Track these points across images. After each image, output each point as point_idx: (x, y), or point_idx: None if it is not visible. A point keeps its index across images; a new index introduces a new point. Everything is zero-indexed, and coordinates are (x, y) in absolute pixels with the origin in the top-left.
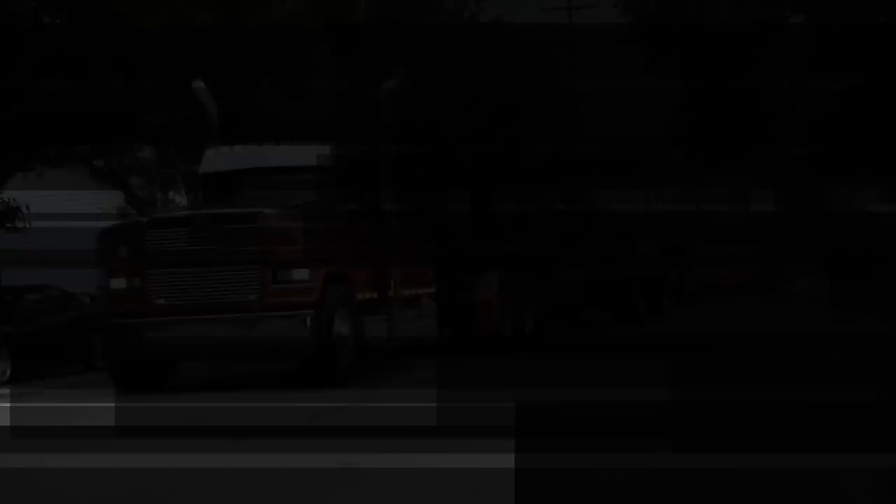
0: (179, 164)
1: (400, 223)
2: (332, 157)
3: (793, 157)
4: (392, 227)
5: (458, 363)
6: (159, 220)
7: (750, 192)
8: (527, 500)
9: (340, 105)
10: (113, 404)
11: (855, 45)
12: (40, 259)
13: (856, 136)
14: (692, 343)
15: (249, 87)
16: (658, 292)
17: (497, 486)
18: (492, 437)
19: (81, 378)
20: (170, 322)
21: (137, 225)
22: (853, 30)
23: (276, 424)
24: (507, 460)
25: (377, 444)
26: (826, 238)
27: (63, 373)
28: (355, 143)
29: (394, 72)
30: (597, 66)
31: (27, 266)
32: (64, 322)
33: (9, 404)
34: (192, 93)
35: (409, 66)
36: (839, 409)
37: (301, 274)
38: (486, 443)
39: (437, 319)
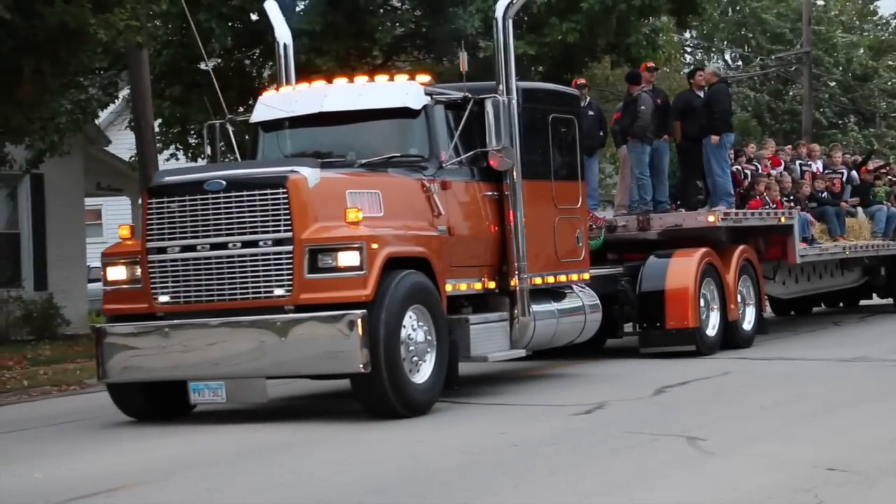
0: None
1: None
2: (424, 96)
3: None
4: (513, 189)
5: None
6: (161, 187)
7: None
8: None
9: None
10: None
11: None
12: None
13: None
14: None
15: None
16: None
17: None
18: None
19: None
20: (171, 328)
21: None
22: None
23: None
24: None
25: None
26: None
27: None
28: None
29: None
30: None
31: None
32: None
33: None
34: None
35: None
36: None
37: (349, 258)
38: None
39: (597, 315)
